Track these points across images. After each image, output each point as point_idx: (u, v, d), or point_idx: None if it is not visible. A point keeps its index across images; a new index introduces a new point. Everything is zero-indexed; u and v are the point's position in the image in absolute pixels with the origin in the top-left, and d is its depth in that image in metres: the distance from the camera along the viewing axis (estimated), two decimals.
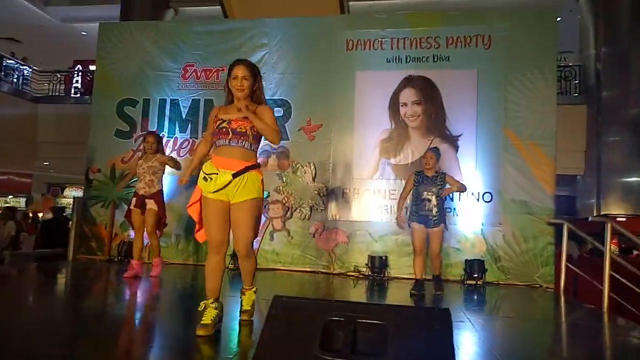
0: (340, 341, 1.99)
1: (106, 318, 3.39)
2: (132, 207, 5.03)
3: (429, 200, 4.65)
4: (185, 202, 6.47)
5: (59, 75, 13.67)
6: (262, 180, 2.95)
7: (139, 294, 4.47)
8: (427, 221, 4.65)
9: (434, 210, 4.64)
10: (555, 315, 4.71)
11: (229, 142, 2.82)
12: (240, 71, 2.92)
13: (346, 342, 1.98)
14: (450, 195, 5.47)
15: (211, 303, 2.82)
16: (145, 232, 5.01)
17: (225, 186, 2.77)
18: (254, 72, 2.99)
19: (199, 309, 2.82)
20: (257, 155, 3.00)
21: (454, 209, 5.97)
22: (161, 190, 5.08)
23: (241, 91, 2.89)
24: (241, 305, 3.12)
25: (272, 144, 3.02)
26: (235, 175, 2.78)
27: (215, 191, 2.78)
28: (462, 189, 4.88)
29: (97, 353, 2.49)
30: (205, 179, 2.80)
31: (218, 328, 2.79)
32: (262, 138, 2.98)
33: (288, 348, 2.00)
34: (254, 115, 2.82)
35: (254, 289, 3.14)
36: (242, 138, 2.83)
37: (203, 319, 2.74)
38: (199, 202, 2.91)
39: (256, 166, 2.92)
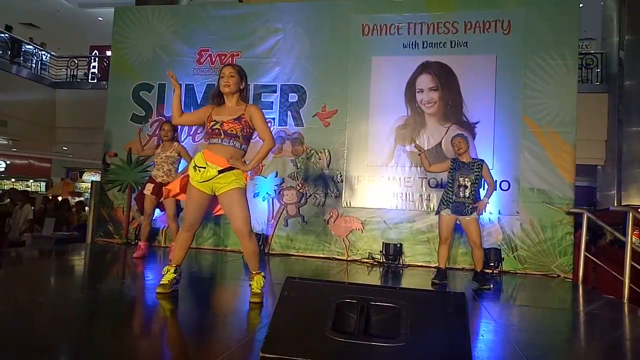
0: (353, 323, 1.98)
1: (123, 299, 3.42)
2: (146, 192, 5.11)
3: (466, 187, 4.44)
4: None
5: (76, 61, 13.76)
6: (246, 175, 3.26)
7: (154, 276, 4.51)
8: (463, 209, 4.44)
9: (470, 197, 4.44)
10: (573, 304, 4.63)
11: (221, 141, 3.14)
12: (226, 70, 3.25)
13: (359, 324, 1.96)
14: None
15: (173, 268, 3.27)
16: (166, 217, 5.25)
17: (209, 179, 3.11)
18: (240, 72, 3.30)
19: (163, 272, 3.27)
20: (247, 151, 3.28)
21: None
22: None
23: (227, 87, 3.20)
24: (251, 289, 3.19)
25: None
26: (220, 172, 3.11)
27: (200, 182, 3.14)
28: (492, 188, 4.64)
29: (114, 332, 2.51)
30: (194, 168, 3.15)
31: (175, 288, 3.29)
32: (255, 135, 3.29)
33: (300, 329, 1.99)
34: (245, 165, 3.16)
35: (262, 273, 3.25)
36: (233, 139, 3.15)
37: (162, 280, 3.22)
38: (180, 181, 3.36)
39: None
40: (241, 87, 3.29)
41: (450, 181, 4.57)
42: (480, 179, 4.53)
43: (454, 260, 5.80)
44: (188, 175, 3.25)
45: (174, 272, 3.27)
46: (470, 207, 4.44)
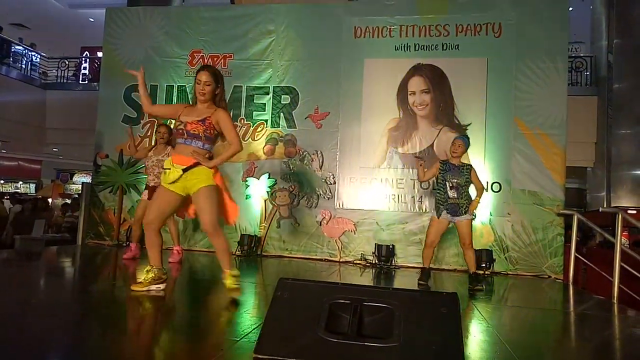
0: (346, 323, 1.98)
1: (114, 300, 3.40)
2: (143, 197, 5.16)
3: (457, 188, 4.41)
4: None
5: (67, 62, 13.67)
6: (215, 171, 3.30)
7: None
8: (458, 210, 4.42)
9: (462, 198, 4.42)
10: (564, 305, 4.67)
11: (184, 141, 3.24)
12: (203, 76, 3.27)
13: (352, 324, 1.97)
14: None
15: (150, 268, 3.33)
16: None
17: (176, 180, 3.20)
18: (216, 78, 3.31)
19: (142, 271, 3.39)
20: (211, 153, 3.34)
21: None
22: None
23: (202, 95, 3.27)
24: (227, 286, 3.27)
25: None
26: (184, 170, 3.18)
27: (169, 183, 3.22)
28: (482, 192, 4.61)
29: (105, 334, 2.49)
30: (164, 171, 3.29)
31: (154, 289, 3.32)
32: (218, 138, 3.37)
33: (293, 330, 1.99)
34: (208, 162, 3.21)
35: (234, 272, 3.30)
36: (195, 139, 3.23)
37: (138, 278, 3.37)
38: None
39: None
40: (216, 93, 3.31)
41: (440, 182, 4.53)
42: (469, 182, 4.52)
43: (445, 261, 5.83)
44: None
45: (148, 272, 3.33)
46: (464, 207, 4.43)
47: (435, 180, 4.69)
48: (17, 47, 13.54)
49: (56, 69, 13.69)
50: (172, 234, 5.19)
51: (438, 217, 4.47)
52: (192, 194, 3.24)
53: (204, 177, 3.21)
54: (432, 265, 4.78)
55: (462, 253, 4.67)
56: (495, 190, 5.89)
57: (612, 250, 4.90)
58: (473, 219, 4.56)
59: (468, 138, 4.68)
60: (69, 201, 12.80)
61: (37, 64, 13.75)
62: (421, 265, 4.70)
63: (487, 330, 3.01)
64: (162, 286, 3.35)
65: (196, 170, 3.19)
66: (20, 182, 17.42)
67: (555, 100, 5.87)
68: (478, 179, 4.57)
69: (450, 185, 4.45)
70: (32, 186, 17.44)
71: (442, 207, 4.46)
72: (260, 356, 1.89)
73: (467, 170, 4.52)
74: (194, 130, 3.22)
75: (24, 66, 13.40)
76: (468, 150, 5.85)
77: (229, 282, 3.26)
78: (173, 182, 3.20)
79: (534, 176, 5.81)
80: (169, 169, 3.22)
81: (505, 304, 4.49)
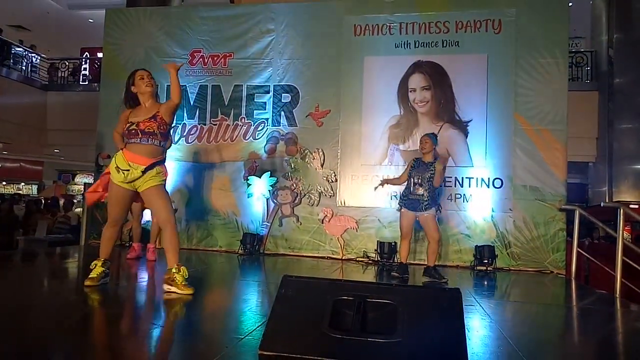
0: (350, 320, 1.99)
1: (118, 300, 3.41)
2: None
3: (420, 185, 4.61)
4: (196, 186, 6.55)
5: (67, 63, 13.68)
6: (165, 169, 3.48)
7: (152, 277, 4.50)
8: (418, 206, 4.61)
9: (425, 194, 4.60)
10: (566, 300, 4.68)
11: (139, 140, 3.30)
12: (144, 72, 3.48)
13: (355, 321, 1.98)
14: (460, 181, 5.58)
15: (100, 262, 3.43)
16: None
17: (135, 180, 3.30)
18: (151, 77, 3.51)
19: (91, 266, 3.44)
20: (165, 151, 3.52)
21: (464, 194, 5.94)
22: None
23: (150, 87, 3.42)
24: (177, 283, 3.29)
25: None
26: (144, 171, 3.28)
27: (125, 182, 3.31)
28: (444, 163, 4.86)
29: (109, 333, 2.50)
30: (117, 170, 3.30)
31: (104, 282, 3.46)
32: (169, 134, 3.56)
33: (297, 327, 2.00)
34: (174, 79, 3.31)
35: (182, 265, 3.36)
36: (151, 137, 3.31)
37: (91, 274, 3.39)
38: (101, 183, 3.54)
39: (162, 161, 3.44)
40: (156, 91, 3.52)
41: (407, 180, 4.74)
42: (434, 178, 4.65)
43: (445, 257, 5.83)
44: (108, 174, 3.42)
45: (102, 266, 3.44)
46: (426, 203, 4.59)
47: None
48: (18, 48, 13.55)
49: (56, 70, 13.71)
50: (135, 231, 5.31)
51: (398, 210, 4.77)
52: (141, 191, 3.35)
53: (156, 176, 3.34)
54: (436, 263, 4.83)
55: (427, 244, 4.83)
56: (496, 187, 5.90)
57: (614, 245, 4.91)
58: (436, 214, 4.70)
59: (435, 135, 4.89)
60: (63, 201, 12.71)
61: (37, 66, 13.76)
62: (423, 262, 4.74)
63: (490, 326, 3.02)
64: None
65: (153, 170, 3.33)
66: (23, 184, 17.45)
67: (556, 96, 5.87)
68: (440, 175, 4.65)
69: (414, 182, 4.66)
70: (35, 187, 17.47)
71: (403, 201, 4.71)
72: (265, 353, 1.91)
73: (433, 165, 4.67)
74: (149, 129, 3.30)
75: (24, 68, 13.41)
76: (470, 147, 5.97)
77: (180, 278, 3.28)
78: (130, 181, 3.30)
79: (536, 172, 5.81)
80: (127, 169, 3.27)
81: (507, 300, 4.50)
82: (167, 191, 3.48)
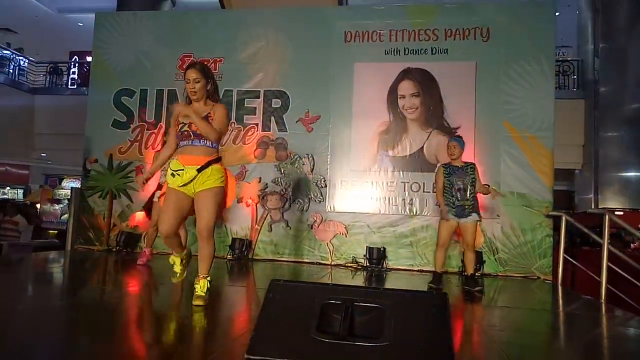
0: (338, 324, 1.99)
1: (104, 306, 3.38)
2: (156, 200, 5.08)
3: (465, 190, 4.47)
4: None
5: (55, 66, 13.57)
6: (225, 170, 3.25)
7: (135, 282, 4.47)
8: (463, 212, 4.46)
9: (470, 199, 4.47)
10: (553, 305, 4.71)
11: (191, 142, 3.12)
12: (192, 74, 3.14)
13: (343, 324, 1.98)
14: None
15: (180, 258, 3.49)
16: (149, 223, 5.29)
17: (191, 181, 3.09)
18: (205, 74, 3.19)
19: (170, 262, 3.48)
20: (219, 150, 3.27)
21: None
22: None
23: (194, 94, 3.15)
24: (195, 292, 3.16)
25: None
26: (199, 170, 3.08)
27: (181, 185, 3.11)
28: (484, 189, 4.65)
29: (95, 339, 2.48)
30: (172, 175, 3.12)
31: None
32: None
33: (285, 331, 2.00)
34: (198, 119, 3.07)
35: (208, 278, 3.22)
36: (202, 138, 3.11)
37: (174, 270, 3.48)
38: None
39: (218, 160, 3.19)
40: (207, 89, 3.19)
41: (447, 186, 4.54)
42: (476, 181, 4.55)
43: (448, 264, 5.84)
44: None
45: (182, 259, 3.52)
46: (470, 208, 4.46)
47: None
48: (5, 51, 13.42)
49: (45, 73, 13.58)
50: (184, 239, 5.10)
51: (447, 220, 4.51)
52: (197, 191, 3.11)
53: (213, 177, 3.11)
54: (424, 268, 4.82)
55: (464, 254, 4.68)
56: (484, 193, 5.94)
57: (600, 251, 4.96)
58: (479, 220, 4.59)
59: (461, 138, 4.75)
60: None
61: (25, 69, 13.62)
62: (413, 268, 4.74)
63: (477, 330, 3.04)
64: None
65: (208, 170, 3.10)
66: (8, 188, 17.20)
67: (543, 104, 5.95)
68: (478, 176, 4.61)
69: (457, 187, 4.50)
70: (20, 192, 17.23)
71: (450, 209, 4.50)
72: (252, 357, 1.90)
73: (472, 169, 4.58)
74: (200, 130, 3.10)
75: (11, 71, 13.28)
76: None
77: (199, 288, 3.16)
78: (186, 183, 3.09)
79: (523, 178, 5.87)
80: (182, 170, 3.08)
81: (495, 305, 4.52)
82: (221, 198, 3.19)
